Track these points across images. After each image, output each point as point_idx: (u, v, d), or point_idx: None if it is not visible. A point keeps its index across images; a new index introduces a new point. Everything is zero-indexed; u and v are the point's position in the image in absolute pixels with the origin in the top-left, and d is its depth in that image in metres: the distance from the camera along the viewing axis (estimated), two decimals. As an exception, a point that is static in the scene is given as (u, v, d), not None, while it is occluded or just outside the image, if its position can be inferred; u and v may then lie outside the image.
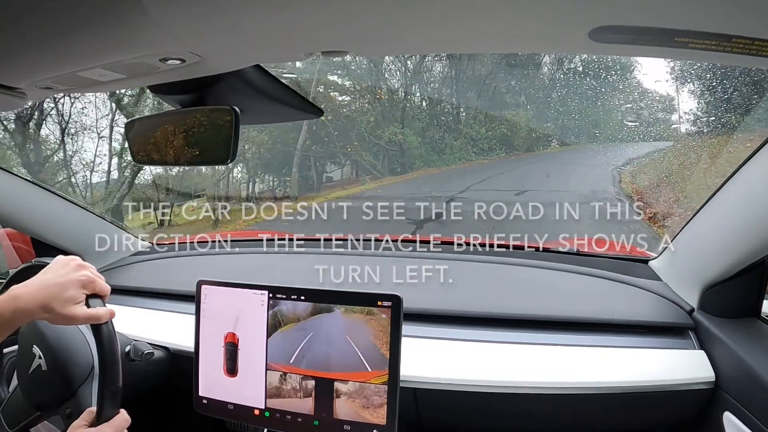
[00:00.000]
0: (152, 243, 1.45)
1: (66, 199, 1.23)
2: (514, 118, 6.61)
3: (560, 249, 1.13)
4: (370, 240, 1.34)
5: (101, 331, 0.74)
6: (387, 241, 1.30)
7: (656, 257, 1.04)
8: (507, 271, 1.07)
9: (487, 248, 1.17)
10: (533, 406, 0.82)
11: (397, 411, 0.74)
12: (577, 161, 5.37)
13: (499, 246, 1.18)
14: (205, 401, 0.86)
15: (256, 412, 0.82)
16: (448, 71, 6.90)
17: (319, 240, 1.42)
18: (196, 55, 0.46)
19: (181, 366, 0.97)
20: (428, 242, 1.24)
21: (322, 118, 6.00)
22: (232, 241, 1.51)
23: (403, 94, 6.99)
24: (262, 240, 1.54)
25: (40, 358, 0.80)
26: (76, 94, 4.84)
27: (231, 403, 0.84)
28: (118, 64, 0.48)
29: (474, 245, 1.21)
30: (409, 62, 6.77)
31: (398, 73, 7.00)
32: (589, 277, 1.02)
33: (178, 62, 0.47)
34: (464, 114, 6.94)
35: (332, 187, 6.54)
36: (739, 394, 0.73)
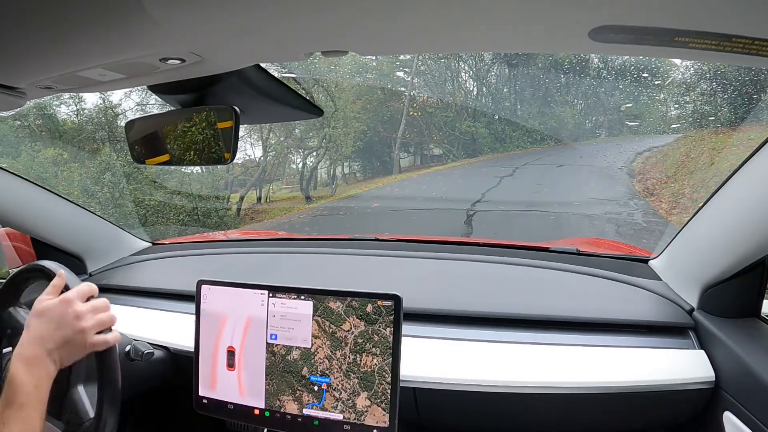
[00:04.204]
0: (152, 243, 1.45)
1: (66, 200, 1.23)
2: (562, 114, 8.22)
3: (560, 249, 1.13)
4: (370, 240, 1.34)
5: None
6: (387, 241, 1.30)
7: (656, 257, 1.04)
8: (507, 271, 1.07)
9: (487, 248, 1.17)
10: (533, 405, 0.82)
11: (397, 411, 0.74)
12: (608, 149, 7.28)
13: (499, 246, 1.18)
14: (205, 401, 0.86)
15: (256, 411, 0.82)
16: (508, 73, 8.58)
17: (319, 240, 1.42)
18: (196, 55, 0.46)
19: (181, 366, 0.97)
20: (428, 242, 1.25)
21: (414, 113, 8.06)
22: (231, 240, 1.52)
23: (474, 92, 8.85)
24: (262, 240, 1.54)
25: None
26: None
27: (231, 403, 0.84)
28: (118, 64, 0.48)
29: (474, 245, 1.21)
30: (476, 66, 8.59)
31: (466, 75, 8.79)
32: (589, 276, 1.02)
33: (178, 62, 0.47)
34: (520, 110, 8.64)
35: (408, 170, 8.52)
36: (739, 393, 0.73)
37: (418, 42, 0.44)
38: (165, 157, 0.65)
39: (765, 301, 0.83)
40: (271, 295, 0.82)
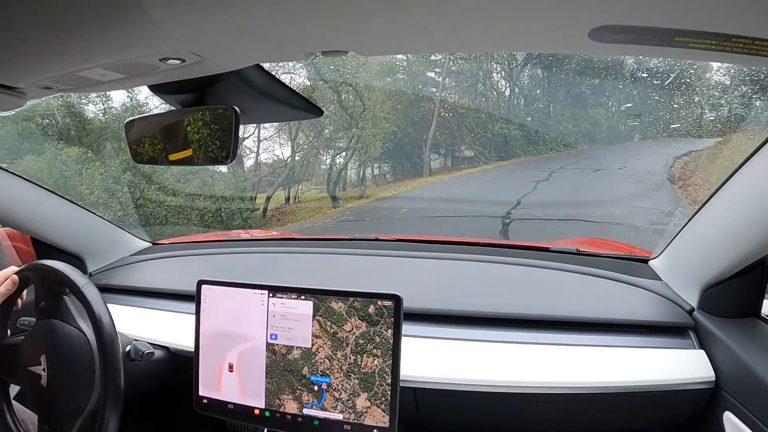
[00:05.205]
0: (152, 243, 1.45)
1: (66, 199, 1.23)
2: (597, 116, 8.08)
3: (560, 249, 1.13)
4: (371, 240, 1.34)
5: (103, 336, 0.74)
6: (388, 241, 1.30)
7: (656, 257, 1.04)
8: (507, 271, 1.07)
9: (488, 248, 1.17)
10: (533, 405, 0.82)
11: (397, 411, 0.74)
12: (644, 152, 6.98)
13: (499, 246, 1.18)
14: (205, 401, 0.86)
15: (256, 411, 0.82)
16: (540, 74, 8.45)
17: (319, 240, 1.42)
18: (196, 55, 0.46)
19: (181, 366, 0.97)
20: (429, 242, 1.25)
21: (446, 114, 7.93)
22: (231, 240, 1.52)
23: (507, 94, 8.73)
24: (262, 240, 1.54)
25: (44, 370, 0.80)
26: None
27: (231, 403, 0.84)
28: (118, 64, 0.48)
29: (474, 245, 1.21)
30: (509, 66, 8.44)
31: (498, 75, 8.65)
32: (590, 276, 1.02)
33: (178, 62, 0.47)
34: (554, 111, 8.47)
35: (439, 172, 8.35)
36: (739, 393, 0.73)
37: (418, 42, 0.44)
38: (165, 158, 0.65)
39: (765, 301, 0.83)
40: (271, 295, 0.82)
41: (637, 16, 0.35)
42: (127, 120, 0.67)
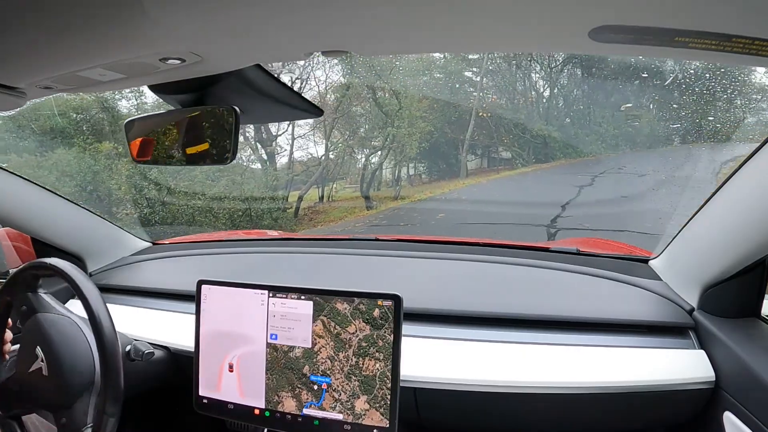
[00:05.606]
0: (152, 242, 1.45)
1: (66, 199, 1.23)
2: (638, 118, 7.66)
3: (560, 249, 1.13)
4: (371, 240, 1.34)
5: (103, 335, 0.74)
6: (387, 241, 1.30)
7: (656, 257, 1.04)
8: (507, 271, 1.07)
9: (488, 248, 1.17)
10: (533, 405, 0.82)
11: (397, 411, 0.75)
12: (687, 157, 6.60)
13: (499, 246, 1.18)
14: (205, 401, 0.86)
15: (256, 411, 0.82)
16: (581, 74, 8.17)
17: (319, 240, 1.42)
18: (196, 55, 0.46)
19: (181, 366, 0.97)
20: (428, 242, 1.25)
21: (484, 114, 7.68)
22: (231, 240, 1.52)
23: (546, 94, 8.43)
24: (262, 240, 1.54)
25: (42, 361, 0.80)
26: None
27: (231, 403, 0.84)
28: (118, 64, 0.48)
29: (474, 245, 1.21)
30: (548, 66, 8.19)
31: (537, 75, 8.40)
32: (590, 276, 1.02)
33: (178, 62, 0.47)
34: (594, 113, 8.17)
35: (475, 174, 8.08)
36: (739, 393, 0.73)
37: (418, 42, 0.44)
38: (165, 157, 0.65)
39: (765, 301, 0.83)
40: (271, 295, 0.82)
41: (637, 16, 0.35)
42: (127, 120, 0.67)
